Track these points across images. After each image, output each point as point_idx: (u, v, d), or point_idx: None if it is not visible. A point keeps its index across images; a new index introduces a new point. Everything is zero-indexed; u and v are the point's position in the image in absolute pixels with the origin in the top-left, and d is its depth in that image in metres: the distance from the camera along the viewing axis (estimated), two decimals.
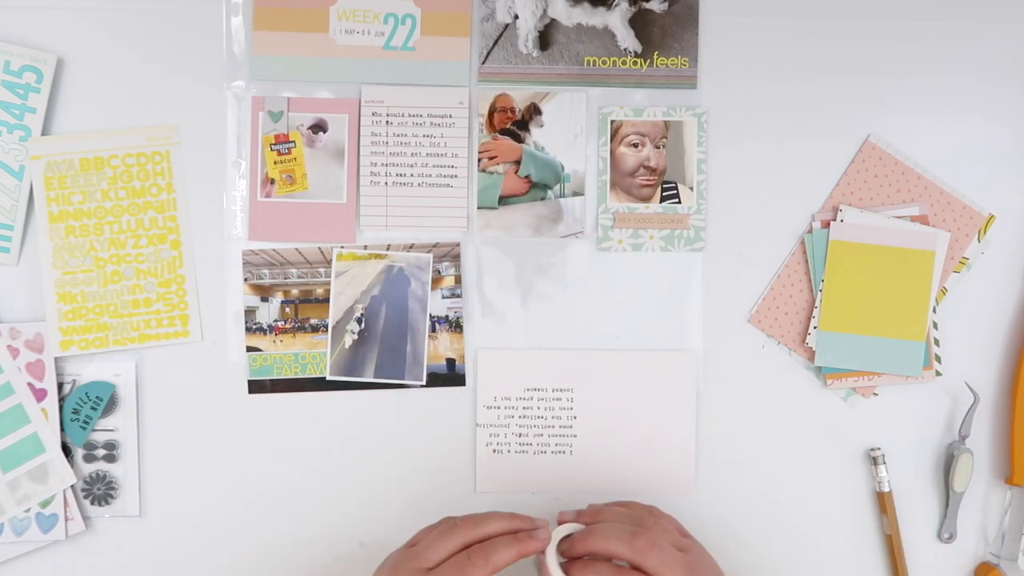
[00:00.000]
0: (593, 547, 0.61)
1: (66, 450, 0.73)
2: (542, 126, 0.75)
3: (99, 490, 0.74)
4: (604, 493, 0.74)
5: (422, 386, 0.75)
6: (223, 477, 0.74)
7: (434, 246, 0.75)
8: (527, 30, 0.74)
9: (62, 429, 0.73)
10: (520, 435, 0.75)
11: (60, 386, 0.73)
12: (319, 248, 0.74)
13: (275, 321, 0.74)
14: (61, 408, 0.73)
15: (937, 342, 0.75)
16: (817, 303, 0.75)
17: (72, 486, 0.73)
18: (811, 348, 0.75)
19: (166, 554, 0.74)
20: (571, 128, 0.75)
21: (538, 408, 0.75)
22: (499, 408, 0.75)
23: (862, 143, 0.76)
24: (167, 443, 0.74)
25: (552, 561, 0.61)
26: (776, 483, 0.76)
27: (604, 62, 0.75)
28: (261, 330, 0.74)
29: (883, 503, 0.75)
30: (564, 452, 0.75)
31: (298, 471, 0.75)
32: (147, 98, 0.73)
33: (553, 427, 0.75)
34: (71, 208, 0.73)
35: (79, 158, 0.73)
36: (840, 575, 0.76)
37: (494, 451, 0.74)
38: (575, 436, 0.75)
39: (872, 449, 0.75)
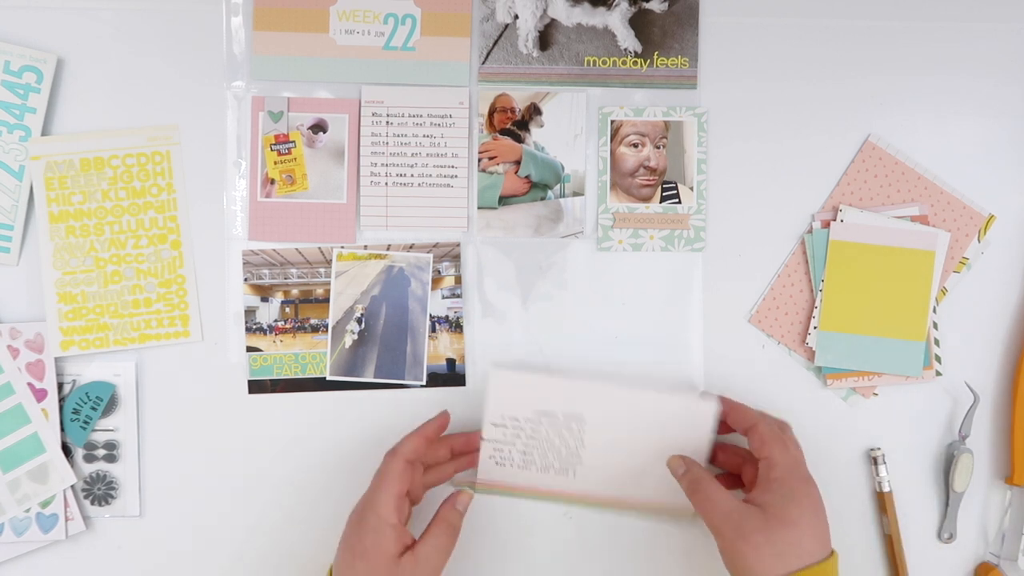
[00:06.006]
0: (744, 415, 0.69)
1: (66, 450, 0.73)
2: (542, 126, 0.75)
3: (99, 490, 0.74)
4: (605, 491, 0.74)
5: (422, 386, 0.75)
6: (223, 477, 0.74)
7: (434, 246, 0.75)
8: (527, 30, 0.74)
9: (62, 429, 0.73)
10: (524, 452, 0.71)
11: (60, 386, 0.73)
12: (319, 248, 0.74)
13: (275, 321, 0.74)
14: (61, 408, 0.73)
15: (937, 342, 0.75)
16: (817, 303, 0.75)
17: (72, 486, 0.73)
18: (811, 348, 0.75)
19: (166, 554, 0.74)
20: (571, 128, 0.75)
21: (547, 433, 0.71)
22: (506, 427, 0.70)
23: (862, 143, 0.76)
24: (167, 443, 0.74)
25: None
26: None
27: (604, 62, 0.75)
28: (261, 330, 0.74)
29: (883, 503, 0.75)
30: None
31: (298, 471, 0.75)
32: (147, 98, 0.73)
33: (560, 452, 0.71)
34: (71, 208, 0.73)
35: (79, 158, 0.73)
36: (840, 575, 0.75)
37: (496, 463, 0.72)
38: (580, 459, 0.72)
39: (872, 449, 0.75)
